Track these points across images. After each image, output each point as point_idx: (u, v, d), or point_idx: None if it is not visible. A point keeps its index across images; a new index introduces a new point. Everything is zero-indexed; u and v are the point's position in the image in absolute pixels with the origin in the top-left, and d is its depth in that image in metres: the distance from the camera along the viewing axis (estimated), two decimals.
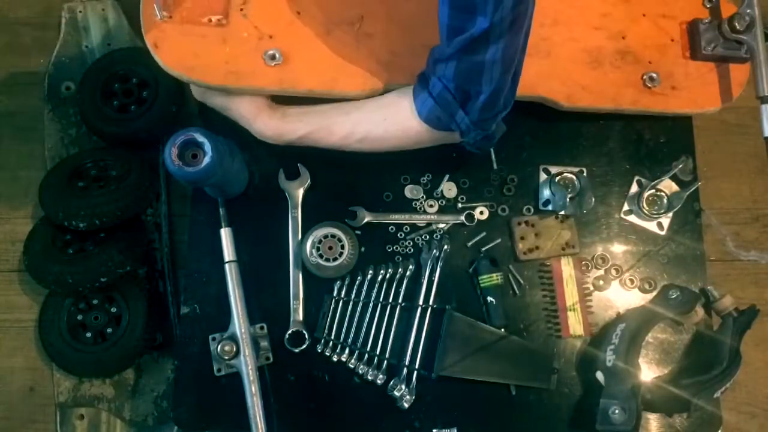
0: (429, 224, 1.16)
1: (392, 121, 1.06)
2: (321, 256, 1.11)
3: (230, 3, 1.09)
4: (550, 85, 1.14)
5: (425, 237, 1.16)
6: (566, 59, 1.16)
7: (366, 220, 1.16)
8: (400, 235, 1.16)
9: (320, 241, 1.11)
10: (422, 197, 1.18)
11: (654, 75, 1.16)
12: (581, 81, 1.15)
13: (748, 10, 1.11)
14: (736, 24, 1.11)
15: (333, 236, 1.12)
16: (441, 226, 1.16)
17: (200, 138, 0.96)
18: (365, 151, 1.11)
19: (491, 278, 1.12)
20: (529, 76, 1.11)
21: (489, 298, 1.12)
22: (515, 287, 1.14)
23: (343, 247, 1.11)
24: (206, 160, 0.96)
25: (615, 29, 1.18)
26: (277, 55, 1.08)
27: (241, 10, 1.09)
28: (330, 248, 1.11)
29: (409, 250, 1.16)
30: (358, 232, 1.16)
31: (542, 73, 1.14)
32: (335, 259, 1.11)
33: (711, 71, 1.18)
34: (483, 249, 1.15)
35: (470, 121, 0.99)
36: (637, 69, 1.17)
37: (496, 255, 1.15)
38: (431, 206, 1.17)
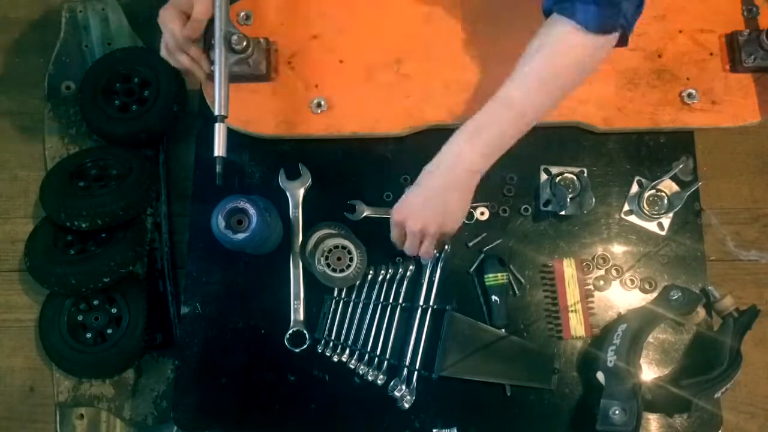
0: None
1: (561, 53, 0.95)
2: (329, 265, 1.11)
3: (278, 56, 1.19)
4: (586, 110, 1.16)
5: None
6: (601, 83, 1.17)
7: (365, 214, 1.16)
8: None
9: (330, 251, 1.11)
10: None
11: (692, 91, 1.16)
12: (617, 103, 1.16)
13: None
14: None
15: (344, 248, 1.12)
16: None
17: (245, 206, 1.02)
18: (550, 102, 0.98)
19: (497, 278, 1.11)
20: (564, 103, 1.13)
21: (493, 297, 1.12)
22: (515, 287, 1.14)
23: (351, 260, 1.11)
24: (252, 225, 1.02)
25: (651, 49, 1.18)
26: (322, 103, 1.17)
27: (289, 63, 1.19)
28: (339, 259, 1.11)
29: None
30: (358, 230, 1.15)
31: (578, 99, 1.16)
32: (342, 271, 1.11)
33: (751, 83, 1.17)
34: (484, 249, 1.15)
35: (632, 4, 0.93)
36: (674, 87, 1.17)
37: (497, 255, 1.14)
38: None
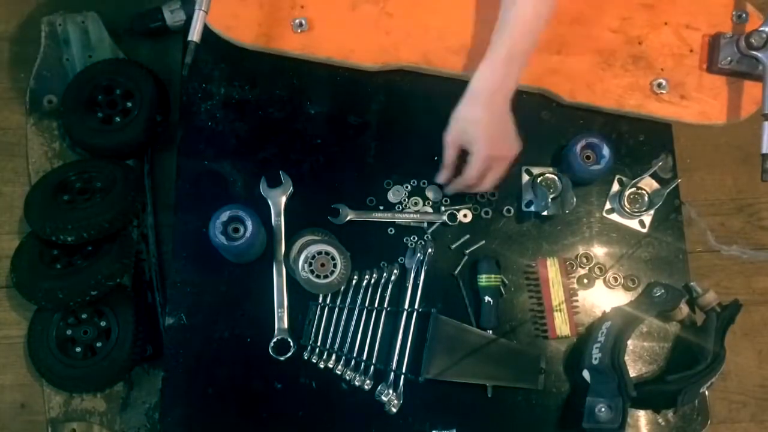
0: (412, 225, 1.16)
1: None
2: (312, 271, 1.11)
3: None
4: (555, 80, 1.17)
5: (413, 239, 1.16)
6: (577, 57, 1.18)
7: (348, 217, 1.16)
8: (384, 238, 1.16)
9: (314, 257, 1.11)
10: (405, 197, 1.18)
11: (663, 81, 1.17)
12: (587, 79, 1.18)
13: (766, 28, 1.10)
14: (753, 41, 1.10)
15: (327, 254, 1.11)
16: (424, 226, 1.16)
17: (242, 214, 1.06)
18: None
19: (490, 278, 1.12)
20: (535, 69, 1.16)
21: (486, 298, 1.12)
22: (503, 289, 1.14)
23: (335, 266, 1.11)
24: (248, 233, 1.05)
25: (633, 34, 1.20)
26: (303, 23, 1.19)
27: None
28: (322, 265, 1.11)
29: (394, 253, 1.16)
30: (342, 235, 1.16)
31: (550, 68, 1.18)
32: (326, 277, 1.11)
33: (724, 85, 1.18)
34: (467, 251, 1.15)
35: None
36: (647, 74, 1.18)
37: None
38: (415, 210, 1.17)
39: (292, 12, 1.19)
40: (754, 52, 1.11)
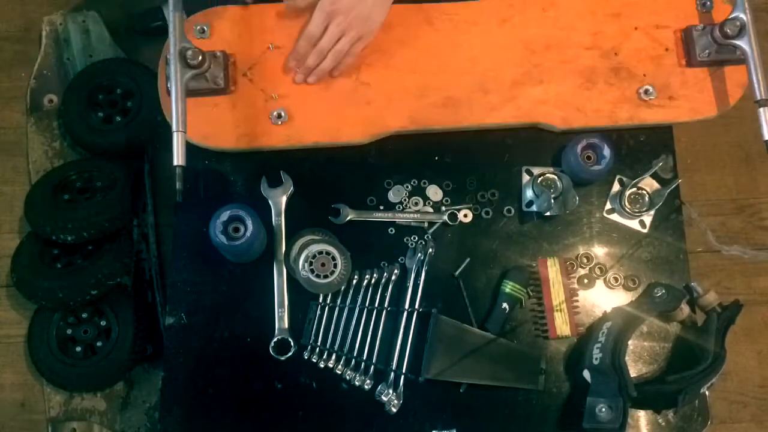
0: (413, 225, 1.16)
1: None
2: (312, 271, 1.10)
3: (236, 69, 1.17)
4: (546, 111, 1.17)
5: (413, 238, 1.16)
6: (559, 83, 1.17)
7: (349, 217, 1.16)
8: (385, 238, 1.16)
9: (314, 257, 1.11)
10: (405, 197, 1.17)
11: (649, 88, 1.17)
12: (576, 103, 1.17)
13: (739, 15, 1.10)
14: (728, 30, 1.10)
15: (328, 253, 1.11)
16: (425, 226, 1.16)
17: (242, 213, 1.06)
18: None
19: (515, 288, 1.11)
20: (524, 104, 1.16)
21: (504, 305, 1.11)
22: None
23: (335, 266, 1.11)
24: (248, 232, 1.05)
25: (607, 47, 1.19)
26: (282, 114, 1.15)
27: (245, 75, 1.17)
28: (323, 265, 1.11)
29: (394, 253, 1.16)
30: (342, 235, 1.16)
31: (537, 100, 1.17)
32: (326, 277, 1.11)
33: (707, 77, 1.18)
34: (467, 252, 1.15)
35: None
36: (631, 84, 1.18)
37: (479, 256, 1.15)
38: (415, 210, 1.17)
39: (267, 105, 1.16)
40: (732, 41, 1.11)
